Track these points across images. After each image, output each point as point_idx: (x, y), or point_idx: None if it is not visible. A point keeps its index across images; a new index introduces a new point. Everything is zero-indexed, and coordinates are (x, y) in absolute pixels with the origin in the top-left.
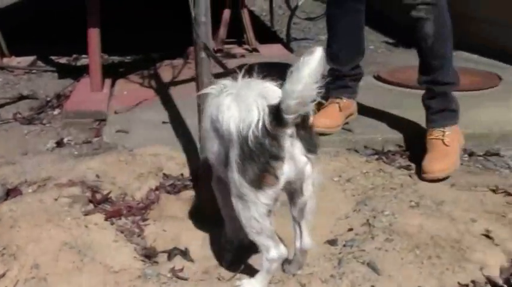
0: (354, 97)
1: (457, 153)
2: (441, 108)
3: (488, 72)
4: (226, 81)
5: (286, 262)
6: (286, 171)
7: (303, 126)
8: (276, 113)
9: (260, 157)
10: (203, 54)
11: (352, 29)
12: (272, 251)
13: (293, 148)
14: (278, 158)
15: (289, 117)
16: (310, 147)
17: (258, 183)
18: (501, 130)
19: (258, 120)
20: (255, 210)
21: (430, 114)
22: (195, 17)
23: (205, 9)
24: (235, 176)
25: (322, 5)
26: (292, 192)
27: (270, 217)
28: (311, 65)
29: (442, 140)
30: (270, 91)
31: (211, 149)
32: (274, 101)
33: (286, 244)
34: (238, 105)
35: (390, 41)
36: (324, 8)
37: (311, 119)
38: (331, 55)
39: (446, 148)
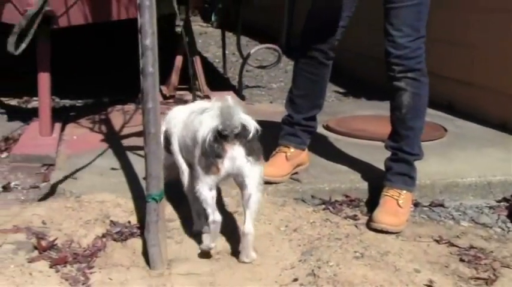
0: (303, 148)
1: (407, 216)
2: (401, 173)
3: (434, 124)
4: (196, 105)
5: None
6: (226, 166)
7: (245, 138)
8: (217, 128)
9: (210, 155)
10: (150, 104)
11: (315, 81)
12: (211, 216)
13: (234, 151)
14: (220, 156)
15: (226, 133)
16: (250, 152)
17: (207, 170)
18: (445, 181)
19: (209, 133)
20: (202, 186)
21: (390, 174)
22: (142, 67)
23: (153, 60)
24: (196, 165)
25: (274, 53)
26: (240, 185)
27: (211, 192)
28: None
29: (397, 200)
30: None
31: (189, 149)
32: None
33: None
34: (202, 123)
35: (341, 90)
36: (275, 56)
37: (251, 135)
38: (290, 100)
39: (399, 208)
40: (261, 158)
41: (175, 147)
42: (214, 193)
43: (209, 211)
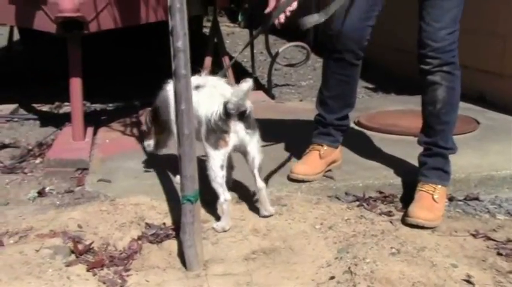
0: (336, 146)
1: (442, 211)
2: (436, 167)
3: (466, 117)
4: (201, 79)
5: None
6: (232, 139)
7: (244, 116)
8: (225, 108)
9: (217, 131)
10: (183, 106)
11: (345, 82)
12: (222, 196)
13: (236, 127)
14: (226, 132)
15: (232, 112)
16: (249, 126)
17: (216, 145)
18: (480, 175)
19: (217, 111)
20: (213, 163)
21: (424, 169)
22: (174, 69)
23: (185, 61)
24: (204, 142)
25: (302, 51)
26: (244, 153)
27: (222, 171)
28: (243, 87)
29: (432, 195)
30: (227, 91)
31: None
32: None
33: None
34: (208, 100)
35: (370, 86)
36: (303, 54)
37: (249, 112)
38: (320, 101)
39: (434, 203)
40: (256, 129)
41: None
42: (224, 171)
43: (220, 190)
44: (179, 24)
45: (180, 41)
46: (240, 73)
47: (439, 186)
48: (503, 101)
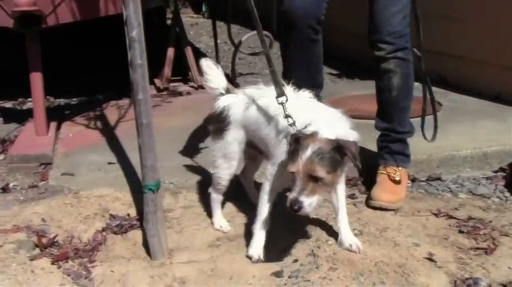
0: None
1: (405, 193)
2: (396, 151)
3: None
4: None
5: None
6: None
7: None
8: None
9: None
10: (141, 95)
11: (309, 61)
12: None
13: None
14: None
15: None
16: None
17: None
18: (441, 155)
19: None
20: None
21: (384, 153)
22: (130, 59)
23: (141, 51)
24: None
25: (266, 39)
26: None
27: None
28: None
29: (394, 177)
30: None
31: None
32: None
33: None
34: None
35: (334, 72)
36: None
37: None
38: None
39: (396, 185)
40: None
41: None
42: None
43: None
44: (133, 15)
45: (135, 31)
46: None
47: (400, 168)
48: (464, 83)
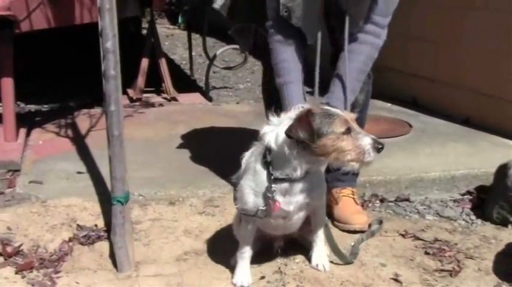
0: None
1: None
2: (347, 171)
3: (399, 120)
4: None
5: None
6: None
7: None
8: None
9: None
10: (113, 107)
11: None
12: None
13: None
14: None
15: None
16: None
17: None
18: (410, 176)
19: None
20: None
21: (340, 174)
22: (104, 70)
23: (115, 62)
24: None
25: (241, 54)
26: None
27: None
28: None
29: (354, 198)
30: None
31: None
32: None
33: None
34: None
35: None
36: (242, 57)
37: None
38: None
39: (359, 206)
40: None
41: None
42: None
43: None
44: (108, 25)
45: (109, 42)
46: (178, 76)
47: (355, 189)
48: (436, 106)
